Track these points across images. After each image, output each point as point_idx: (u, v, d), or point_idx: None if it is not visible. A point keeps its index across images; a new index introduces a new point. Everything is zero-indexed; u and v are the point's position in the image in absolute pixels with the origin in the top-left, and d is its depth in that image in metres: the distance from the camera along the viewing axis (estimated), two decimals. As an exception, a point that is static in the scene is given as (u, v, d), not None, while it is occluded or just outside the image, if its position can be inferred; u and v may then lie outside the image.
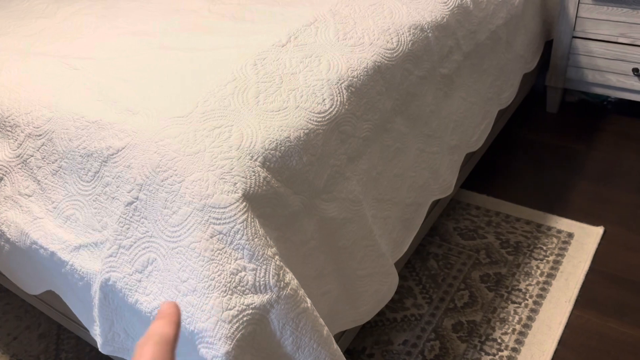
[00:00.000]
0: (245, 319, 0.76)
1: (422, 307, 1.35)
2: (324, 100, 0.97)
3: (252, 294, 0.78)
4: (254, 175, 0.83)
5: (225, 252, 0.78)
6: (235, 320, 0.76)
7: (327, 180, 0.96)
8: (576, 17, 1.83)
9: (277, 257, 0.81)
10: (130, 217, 0.85)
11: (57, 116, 0.99)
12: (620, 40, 1.79)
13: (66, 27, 1.33)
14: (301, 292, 0.83)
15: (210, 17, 1.28)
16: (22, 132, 1.02)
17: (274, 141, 0.87)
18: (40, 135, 1.00)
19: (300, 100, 0.95)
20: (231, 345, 0.74)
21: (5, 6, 1.55)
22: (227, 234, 0.78)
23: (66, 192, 0.96)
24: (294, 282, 0.83)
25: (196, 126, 0.87)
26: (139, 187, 0.85)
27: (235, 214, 0.79)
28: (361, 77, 1.04)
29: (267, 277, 0.79)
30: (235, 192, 0.80)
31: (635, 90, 1.85)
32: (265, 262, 0.79)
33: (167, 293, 0.80)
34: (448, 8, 1.28)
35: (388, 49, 1.11)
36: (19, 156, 1.02)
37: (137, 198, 0.85)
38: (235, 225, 0.79)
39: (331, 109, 0.97)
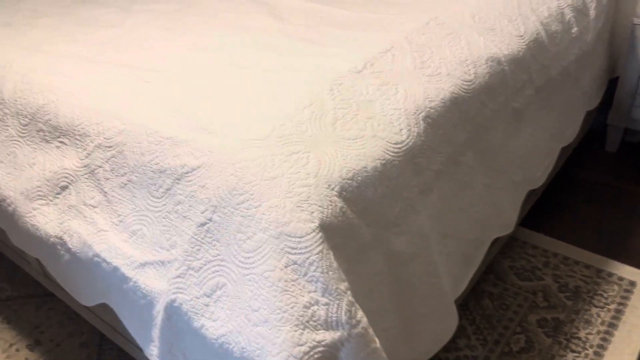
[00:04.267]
0: (316, 356, 0.73)
1: (476, 349, 1.30)
2: (400, 130, 0.94)
3: (324, 330, 0.75)
4: (331, 205, 0.80)
5: (299, 283, 0.75)
6: (306, 357, 0.72)
7: (398, 213, 0.92)
8: None
9: (349, 292, 0.78)
10: (202, 239, 0.83)
11: (129, 129, 0.98)
12: (691, 82, 1.73)
13: (134, 37, 1.34)
14: (371, 330, 0.80)
15: (279, 37, 1.27)
16: (92, 142, 1.02)
17: (351, 170, 0.85)
18: (111, 146, 0.99)
19: (377, 129, 0.92)
20: (302, 383, 0.71)
21: (73, 13, 1.57)
22: (302, 265, 0.75)
23: (134, 207, 0.94)
24: (365, 320, 0.79)
25: (274, 150, 0.84)
26: (213, 208, 0.83)
27: (311, 244, 0.76)
28: (438, 108, 1.01)
29: (339, 313, 0.76)
30: (312, 221, 0.77)
31: (703, 135, 1.78)
32: (338, 297, 0.76)
33: (235, 321, 0.77)
34: (524, 42, 1.25)
35: (465, 81, 1.08)
36: (86, 166, 1.01)
37: (210, 219, 0.83)
38: (310, 256, 0.76)
39: (408, 140, 0.94)
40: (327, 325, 0.75)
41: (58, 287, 1.33)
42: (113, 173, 0.98)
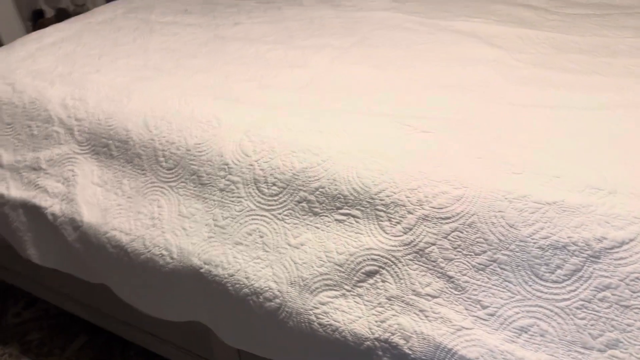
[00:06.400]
0: None
1: None
2: None
3: None
4: None
5: None
6: None
7: None
8: None
9: None
10: (679, 336, 0.63)
11: (473, 194, 0.77)
12: None
13: (341, 78, 1.12)
14: None
15: (525, 69, 1.09)
16: (411, 213, 0.80)
17: None
18: (449, 218, 0.77)
19: None
20: None
21: (220, 50, 1.31)
22: None
23: (510, 295, 0.73)
24: None
25: None
26: (690, 294, 0.64)
27: None
28: None
29: None
30: None
31: None
32: None
33: None
34: None
35: None
36: (408, 245, 0.79)
37: (688, 309, 0.63)
38: None
39: None
40: None
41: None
42: (459, 252, 0.76)
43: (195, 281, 0.95)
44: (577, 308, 0.69)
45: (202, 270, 0.93)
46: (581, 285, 0.69)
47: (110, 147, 1.08)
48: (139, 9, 1.60)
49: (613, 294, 0.68)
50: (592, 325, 0.68)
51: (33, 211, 1.13)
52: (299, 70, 1.17)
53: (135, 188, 1.04)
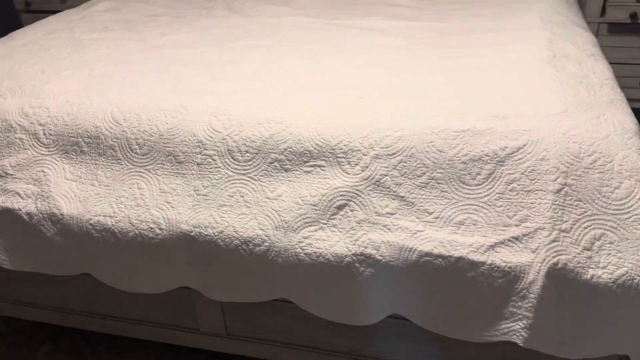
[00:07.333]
0: None
1: None
2: None
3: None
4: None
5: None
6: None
7: None
8: (595, 45, 2.24)
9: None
10: (563, 202, 0.93)
11: (409, 134, 1.02)
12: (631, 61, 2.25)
13: (279, 68, 1.33)
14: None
15: (419, 49, 1.39)
16: (365, 155, 1.03)
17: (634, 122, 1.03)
18: (394, 154, 1.02)
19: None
20: None
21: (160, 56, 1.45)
22: (671, 197, 0.91)
23: (447, 201, 0.99)
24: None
25: (585, 116, 0.99)
26: (564, 174, 0.93)
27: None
28: None
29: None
30: (654, 163, 0.94)
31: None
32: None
33: (631, 259, 0.89)
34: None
35: None
36: (367, 179, 1.02)
37: (565, 184, 0.93)
38: (671, 189, 0.92)
39: None
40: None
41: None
42: (405, 177, 1.01)
43: (185, 246, 1.09)
44: (495, 199, 0.97)
45: (192, 234, 1.08)
46: (495, 183, 0.97)
47: (80, 144, 1.18)
48: (60, 30, 1.68)
49: (518, 184, 0.96)
50: (507, 209, 0.96)
51: (4, 216, 1.19)
52: (239, 65, 1.36)
53: (111, 177, 1.16)
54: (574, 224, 0.92)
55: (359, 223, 1.01)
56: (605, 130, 0.96)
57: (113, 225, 1.12)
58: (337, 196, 1.03)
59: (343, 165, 1.04)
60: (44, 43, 1.58)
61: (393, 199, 1.01)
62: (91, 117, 1.19)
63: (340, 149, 1.04)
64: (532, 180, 0.95)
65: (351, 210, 1.02)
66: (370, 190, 1.02)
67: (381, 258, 0.99)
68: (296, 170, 1.07)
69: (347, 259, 1.00)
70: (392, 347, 1.18)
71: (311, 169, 1.06)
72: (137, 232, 1.11)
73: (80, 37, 1.61)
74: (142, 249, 1.12)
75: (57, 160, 1.19)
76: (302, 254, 1.02)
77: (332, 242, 1.01)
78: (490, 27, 1.50)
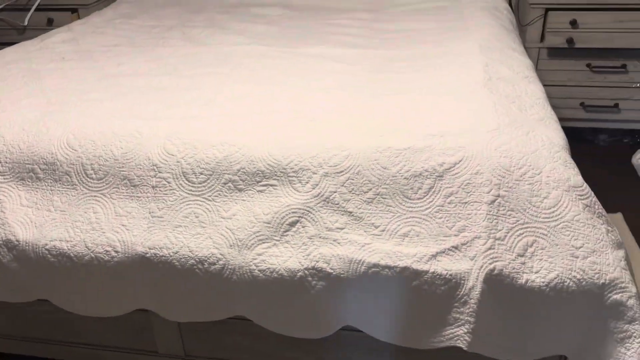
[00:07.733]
0: (623, 263, 0.97)
1: None
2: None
3: (620, 249, 0.99)
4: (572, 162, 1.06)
5: (595, 219, 0.98)
6: (623, 263, 0.96)
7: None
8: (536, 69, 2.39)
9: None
10: (497, 212, 1.00)
11: (355, 152, 1.09)
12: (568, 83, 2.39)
13: (234, 94, 1.38)
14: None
15: (365, 75, 1.47)
16: (315, 173, 1.08)
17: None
18: (342, 171, 1.08)
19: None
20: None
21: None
22: (592, 206, 0.99)
23: (392, 214, 1.05)
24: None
25: (516, 133, 1.07)
26: (497, 186, 1.01)
27: (588, 190, 1.00)
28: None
29: (618, 234, 1.01)
30: (578, 174, 1.02)
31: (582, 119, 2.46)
32: (612, 224, 1.02)
33: (561, 263, 0.96)
34: None
35: None
36: (317, 196, 1.07)
37: (498, 195, 1.00)
38: (592, 198, 1.00)
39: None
40: (618, 245, 0.99)
41: None
42: (353, 193, 1.07)
43: (140, 268, 1.11)
44: (436, 212, 1.03)
45: (147, 255, 1.10)
46: (435, 196, 1.04)
47: (36, 171, 1.20)
48: (16, 61, 1.70)
49: (456, 197, 1.03)
50: (447, 220, 1.02)
51: (-43, 245, 1.19)
52: (195, 92, 1.41)
53: (67, 202, 1.17)
54: (507, 232, 0.99)
55: (310, 238, 1.06)
56: (534, 145, 1.05)
57: (69, 249, 1.13)
58: (289, 213, 1.07)
59: (294, 184, 1.09)
60: (0, 74, 1.59)
61: (342, 215, 1.06)
62: (47, 144, 1.21)
63: (292, 168, 1.10)
64: (468, 192, 1.02)
65: (303, 227, 1.07)
66: (321, 207, 1.07)
67: (332, 271, 1.03)
68: (249, 189, 1.11)
69: (300, 273, 1.04)
70: (349, 359, 1.21)
71: (264, 188, 1.11)
72: (92, 255, 1.12)
73: (37, 67, 1.63)
74: (99, 272, 1.14)
75: (13, 188, 1.20)
76: (256, 271, 1.06)
77: (285, 257, 1.06)
78: (433, 53, 1.59)
